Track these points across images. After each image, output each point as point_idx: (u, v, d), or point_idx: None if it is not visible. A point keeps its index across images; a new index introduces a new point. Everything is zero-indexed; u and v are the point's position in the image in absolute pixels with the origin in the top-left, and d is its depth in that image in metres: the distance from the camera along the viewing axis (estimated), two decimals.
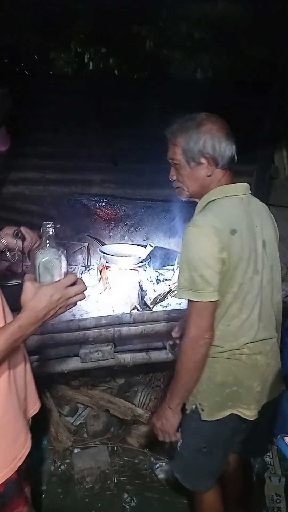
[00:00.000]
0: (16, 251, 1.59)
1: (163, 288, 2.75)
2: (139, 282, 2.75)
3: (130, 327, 2.34)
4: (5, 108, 1.04)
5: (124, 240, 3.39)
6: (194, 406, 1.56)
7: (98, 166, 3.28)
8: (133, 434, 2.64)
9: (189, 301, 1.44)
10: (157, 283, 2.88)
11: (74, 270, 2.97)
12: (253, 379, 1.55)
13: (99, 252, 2.94)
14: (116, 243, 3.29)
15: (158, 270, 3.05)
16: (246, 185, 1.59)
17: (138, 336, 2.36)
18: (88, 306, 2.55)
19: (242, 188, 1.57)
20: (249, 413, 1.56)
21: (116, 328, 2.32)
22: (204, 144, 1.48)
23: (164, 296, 2.67)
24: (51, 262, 1.11)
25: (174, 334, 1.94)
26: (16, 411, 1.24)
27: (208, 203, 1.52)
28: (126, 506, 2.28)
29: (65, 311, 1.13)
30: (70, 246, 3.09)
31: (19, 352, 1.29)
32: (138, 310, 2.44)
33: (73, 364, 2.33)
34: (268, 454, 1.96)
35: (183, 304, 2.62)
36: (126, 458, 2.57)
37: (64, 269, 1.13)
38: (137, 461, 2.56)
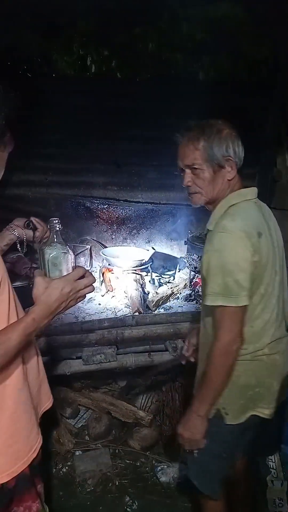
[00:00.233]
0: (27, 242, 1.60)
1: (165, 290, 2.75)
2: (141, 285, 2.75)
3: (133, 330, 2.34)
4: (15, 110, 1.07)
5: (126, 242, 3.39)
6: (216, 411, 1.56)
7: (101, 168, 3.28)
8: (135, 436, 2.63)
9: (218, 307, 1.44)
10: (159, 285, 2.88)
11: None
12: (272, 378, 1.57)
13: (101, 255, 2.94)
14: (118, 246, 3.30)
15: (160, 273, 3.05)
16: (256, 188, 1.62)
17: (140, 339, 2.36)
18: (90, 309, 2.55)
19: (254, 191, 1.59)
20: (268, 412, 1.57)
21: (118, 331, 2.32)
22: (227, 148, 1.49)
23: (166, 299, 2.67)
24: (59, 257, 1.15)
25: (187, 354, 1.94)
26: (29, 406, 1.26)
27: (229, 207, 1.53)
28: (128, 509, 2.28)
29: (76, 303, 1.16)
30: (72, 249, 3.09)
31: (31, 347, 1.31)
32: (140, 312, 2.44)
33: (76, 366, 2.33)
34: (270, 458, 1.96)
35: (185, 307, 2.62)
36: (128, 461, 2.57)
37: (71, 263, 1.17)
38: (138, 463, 2.56)
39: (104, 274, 2.89)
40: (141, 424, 2.61)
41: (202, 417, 1.51)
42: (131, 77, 3.72)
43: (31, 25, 3.18)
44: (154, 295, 2.70)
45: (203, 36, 3.44)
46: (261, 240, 1.46)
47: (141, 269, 2.86)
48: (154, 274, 2.96)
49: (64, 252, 1.15)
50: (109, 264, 2.88)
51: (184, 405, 2.77)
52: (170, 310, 2.60)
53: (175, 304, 2.68)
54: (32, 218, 1.61)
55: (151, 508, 2.28)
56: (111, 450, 2.61)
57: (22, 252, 1.62)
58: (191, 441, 1.55)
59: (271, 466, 1.95)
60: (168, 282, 2.96)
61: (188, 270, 2.96)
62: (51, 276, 1.15)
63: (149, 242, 3.40)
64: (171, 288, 2.79)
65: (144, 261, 2.87)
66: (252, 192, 1.58)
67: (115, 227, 3.37)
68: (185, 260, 3.02)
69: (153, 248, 2.93)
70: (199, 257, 2.84)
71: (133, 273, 2.81)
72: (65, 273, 1.15)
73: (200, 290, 2.71)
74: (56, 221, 1.17)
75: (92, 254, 3.24)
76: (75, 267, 1.17)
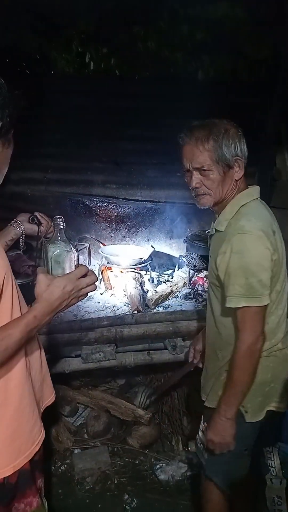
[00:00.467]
0: (32, 237, 1.60)
1: (164, 289, 2.75)
2: (140, 283, 2.75)
3: (132, 328, 2.34)
4: (19, 109, 1.08)
5: (125, 240, 3.39)
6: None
7: (100, 166, 3.28)
8: (134, 434, 2.63)
9: (241, 308, 1.44)
10: (159, 284, 2.88)
11: None
12: (285, 372, 1.60)
13: (100, 253, 2.94)
14: (117, 244, 3.29)
15: (159, 272, 3.05)
16: (258, 187, 1.62)
17: (139, 337, 2.36)
18: (89, 307, 2.55)
19: (258, 190, 1.60)
20: (282, 406, 1.60)
21: (118, 329, 2.32)
22: (235, 148, 1.48)
23: (165, 297, 2.68)
24: (62, 255, 1.15)
25: (195, 361, 1.96)
26: (32, 400, 1.27)
27: (240, 207, 1.52)
28: (127, 507, 2.28)
29: (77, 302, 1.17)
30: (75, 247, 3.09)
31: (34, 342, 1.32)
32: (139, 311, 2.44)
33: (75, 364, 2.33)
34: (269, 456, 1.96)
35: (184, 305, 2.62)
36: (127, 459, 2.57)
37: (75, 261, 1.17)
38: (137, 462, 2.56)
39: (103, 273, 2.88)
40: (140, 422, 2.61)
41: (230, 419, 1.51)
42: (131, 76, 3.72)
43: (31, 24, 3.19)
44: (153, 293, 2.70)
45: (203, 36, 3.45)
46: (276, 238, 1.48)
47: (140, 267, 2.86)
48: (153, 273, 2.96)
49: (68, 250, 1.16)
50: (108, 263, 2.87)
51: (182, 403, 2.78)
52: (169, 308, 2.60)
53: (174, 303, 2.68)
54: (37, 213, 1.61)
55: (150, 506, 2.28)
56: (110, 448, 2.61)
57: (22, 249, 1.62)
58: (222, 445, 1.56)
59: (270, 464, 1.95)
60: (167, 281, 2.97)
61: (187, 269, 2.97)
62: (54, 273, 1.15)
63: (148, 240, 3.40)
64: (170, 286, 2.79)
65: (143, 259, 2.87)
66: (257, 190, 1.58)
67: (114, 225, 3.37)
68: (184, 258, 3.02)
69: (152, 246, 2.92)
70: (198, 256, 2.84)
71: (132, 271, 2.82)
72: (67, 271, 1.15)
73: (199, 289, 2.71)
74: (60, 219, 1.18)
75: (91, 252, 3.24)
76: (78, 266, 1.17)
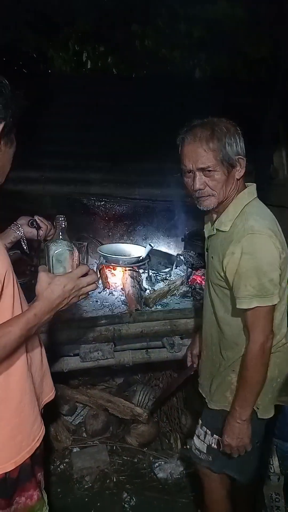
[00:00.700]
0: (31, 240, 1.61)
1: (162, 287, 2.75)
2: (138, 282, 2.75)
3: (130, 326, 2.34)
4: (21, 109, 1.09)
5: (123, 239, 3.38)
6: None
7: (97, 165, 3.27)
8: (132, 433, 2.64)
9: (252, 308, 1.43)
10: (156, 282, 2.88)
11: None
12: None
13: (98, 252, 2.94)
14: (115, 243, 3.29)
15: (157, 270, 3.05)
16: (255, 184, 1.62)
17: (137, 335, 2.36)
18: (87, 305, 2.55)
19: (255, 188, 1.59)
20: (287, 399, 1.63)
21: (116, 327, 2.32)
22: (237, 147, 1.47)
23: (163, 296, 2.67)
24: (64, 254, 1.16)
25: (195, 365, 1.97)
26: (33, 396, 1.28)
27: (244, 206, 1.51)
28: (126, 505, 2.29)
29: (78, 301, 1.18)
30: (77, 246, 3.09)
31: (35, 338, 1.33)
32: (137, 309, 2.44)
33: (73, 363, 2.33)
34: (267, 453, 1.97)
35: (182, 304, 2.63)
36: (125, 457, 2.58)
37: (76, 261, 1.18)
38: (136, 460, 2.57)
39: (101, 271, 2.88)
40: (138, 421, 2.61)
41: (246, 421, 1.51)
42: (128, 74, 3.72)
43: (28, 22, 3.17)
44: (151, 292, 2.70)
45: (201, 35, 3.44)
46: (282, 236, 1.48)
47: (138, 266, 2.85)
48: (151, 271, 2.95)
49: (69, 249, 1.16)
50: (106, 261, 2.87)
51: (180, 402, 2.78)
52: (167, 307, 2.60)
53: (172, 301, 2.68)
54: (36, 217, 1.62)
55: (149, 504, 2.29)
56: (108, 446, 2.62)
57: (26, 251, 1.62)
58: (240, 448, 1.56)
59: (268, 461, 1.96)
60: (165, 279, 2.96)
61: (185, 267, 2.97)
62: (55, 272, 1.16)
63: (146, 239, 3.40)
64: (168, 285, 2.79)
65: (141, 258, 2.87)
66: (255, 189, 1.58)
67: (112, 224, 3.36)
68: (182, 257, 3.02)
69: (150, 245, 2.92)
70: (196, 254, 2.84)
71: (130, 270, 2.81)
72: (69, 270, 1.16)
73: (197, 287, 2.72)
74: (62, 218, 1.18)
75: (89, 251, 3.24)
76: (79, 265, 1.18)
